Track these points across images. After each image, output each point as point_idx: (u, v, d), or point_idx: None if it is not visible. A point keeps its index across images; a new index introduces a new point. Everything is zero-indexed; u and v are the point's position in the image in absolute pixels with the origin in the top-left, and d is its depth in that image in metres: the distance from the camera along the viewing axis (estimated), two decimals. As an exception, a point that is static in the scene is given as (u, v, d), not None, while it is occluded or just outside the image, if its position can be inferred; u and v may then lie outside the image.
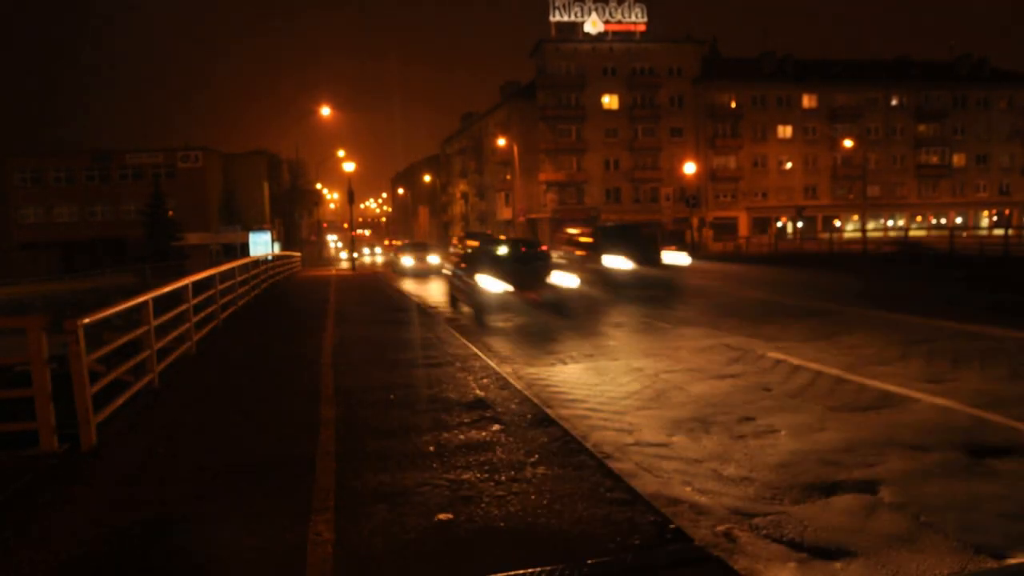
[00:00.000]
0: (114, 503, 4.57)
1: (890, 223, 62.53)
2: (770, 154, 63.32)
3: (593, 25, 60.20)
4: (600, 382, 8.18)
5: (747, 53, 70.44)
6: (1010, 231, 34.09)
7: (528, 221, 62.65)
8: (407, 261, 30.97)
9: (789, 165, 63.42)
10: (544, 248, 16.24)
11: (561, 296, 12.98)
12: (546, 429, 5.86)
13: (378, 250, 49.43)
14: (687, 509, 4.43)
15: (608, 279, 16.54)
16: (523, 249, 15.65)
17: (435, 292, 21.25)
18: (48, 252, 53.42)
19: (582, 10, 59.87)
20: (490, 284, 12.60)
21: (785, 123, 63.46)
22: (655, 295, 15.96)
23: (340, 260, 42.65)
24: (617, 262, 16.29)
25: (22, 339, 5.38)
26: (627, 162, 61.93)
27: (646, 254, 16.82)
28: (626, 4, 60.34)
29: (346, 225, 78.14)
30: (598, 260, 17.00)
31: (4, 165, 56.04)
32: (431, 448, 5.46)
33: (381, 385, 7.72)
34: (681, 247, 23.94)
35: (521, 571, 3.51)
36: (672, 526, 3.95)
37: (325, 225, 78.87)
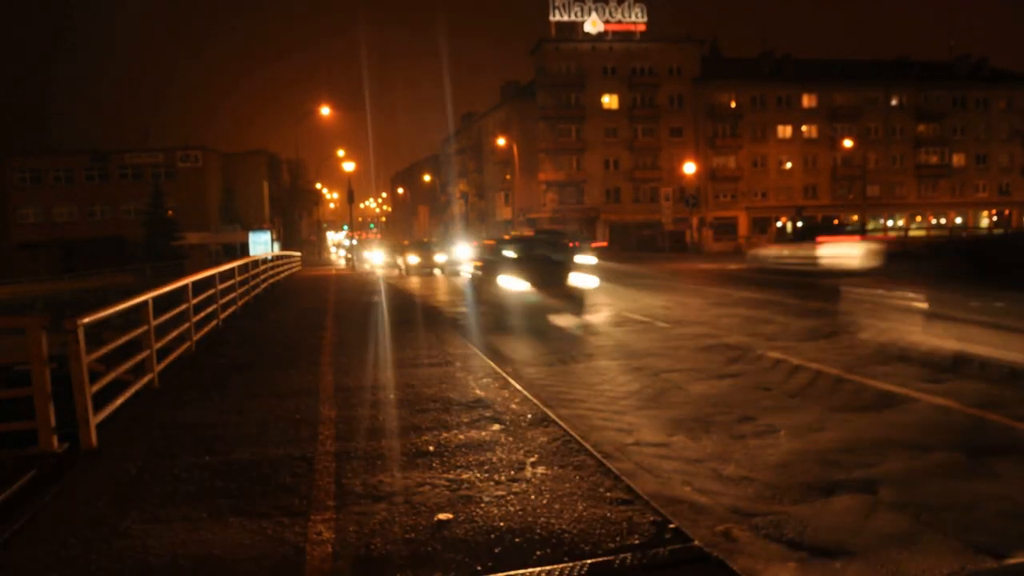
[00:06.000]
0: (113, 503, 4.57)
1: (889, 223, 62.55)
2: (770, 154, 63.34)
3: (593, 25, 60.21)
4: (599, 381, 8.18)
5: (747, 53, 70.52)
6: (1010, 231, 34.09)
7: (528, 221, 62.62)
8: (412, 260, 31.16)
9: (789, 165, 63.44)
10: (573, 244, 16.03)
11: (578, 296, 13.12)
12: (546, 429, 5.86)
13: (441, 257, 31.66)
14: (687, 509, 4.43)
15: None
16: (544, 249, 15.77)
17: (438, 292, 21.27)
18: (48, 252, 53.41)
19: (582, 10, 59.88)
20: (510, 283, 12.76)
21: (785, 123, 63.49)
22: None
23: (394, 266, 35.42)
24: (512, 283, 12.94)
25: (22, 339, 5.38)
26: (627, 162, 61.96)
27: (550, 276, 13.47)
28: (626, 4, 60.36)
29: (345, 226, 77.83)
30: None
31: (4, 165, 56.03)
32: (431, 448, 5.46)
33: (381, 385, 7.73)
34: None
35: (521, 571, 3.51)
36: (672, 526, 3.95)
37: (325, 224, 78.59)
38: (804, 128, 63.81)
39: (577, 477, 4.75)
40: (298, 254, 38.40)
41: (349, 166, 38.19)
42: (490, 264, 14.49)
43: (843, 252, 20.49)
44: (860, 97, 63.90)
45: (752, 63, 64.69)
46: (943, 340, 7.87)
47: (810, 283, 18.58)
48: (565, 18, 59.90)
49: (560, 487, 4.58)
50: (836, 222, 27.99)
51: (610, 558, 3.61)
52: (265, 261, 21.14)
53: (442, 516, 4.17)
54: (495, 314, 13.21)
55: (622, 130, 61.80)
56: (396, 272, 31.57)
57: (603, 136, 61.53)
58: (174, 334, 9.08)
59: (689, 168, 50.86)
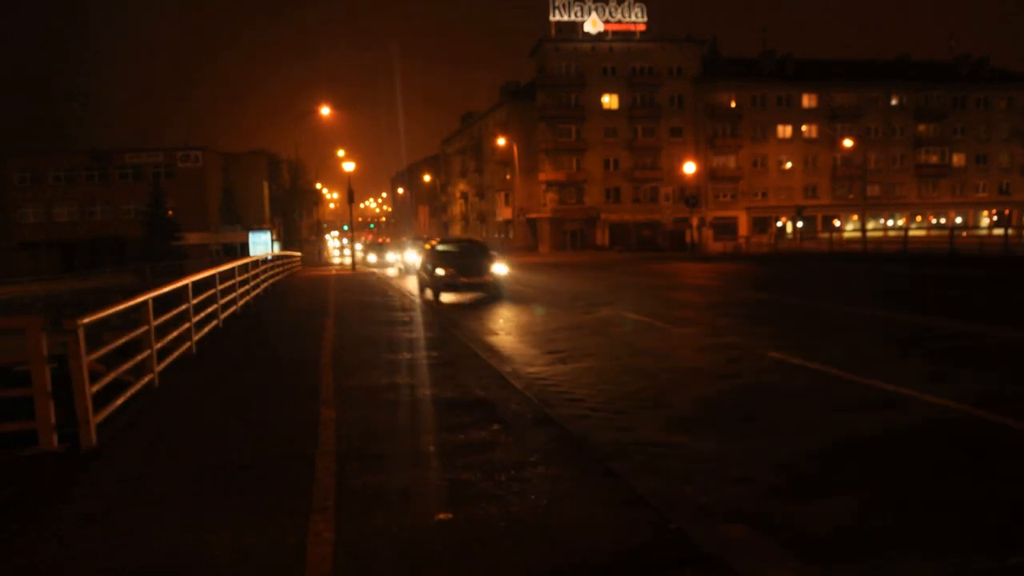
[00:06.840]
0: (113, 503, 4.57)
1: (890, 223, 62.54)
2: (770, 154, 63.33)
3: (593, 25, 60.19)
4: (599, 381, 8.18)
5: (747, 53, 70.45)
6: (1010, 231, 34.11)
7: (528, 221, 62.66)
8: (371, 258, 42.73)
9: (789, 165, 63.43)
10: (484, 244, 21.33)
11: (496, 280, 17.49)
12: (546, 429, 5.85)
13: None
14: (687, 509, 4.42)
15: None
16: (469, 247, 20.46)
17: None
18: (48, 252, 53.40)
19: (582, 10, 59.86)
20: (443, 272, 17.33)
21: (785, 123, 63.47)
22: None
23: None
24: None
25: (22, 339, 5.38)
26: (627, 162, 61.94)
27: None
28: (626, 4, 60.33)
29: (344, 227, 77.52)
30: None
31: (4, 165, 55.97)
32: (431, 448, 5.46)
33: (381, 385, 7.73)
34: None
35: (521, 571, 3.50)
36: (672, 526, 3.95)
37: (325, 225, 78.41)
38: (804, 128, 63.80)
39: (577, 477, 4.75)
40: (298, 254, 38.41)
41: (349, 166, 38.14)
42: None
43: None
44: (860, 97, 63.88)
45: (752, 63, 64.67)
46: None
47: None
48: (565, 18, 59.87)
49: (560, 487, 4.57)
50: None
51: (610, 558, 3.61)
52: (265, 261, 21.14)
53: (442, 516, 4.17)
54: None
55: (622, 130, 61.78)
56: None
57: (603, 136, 61.50)
58: (174, 334, 9.08)
59: (689, 168, 50.83)
